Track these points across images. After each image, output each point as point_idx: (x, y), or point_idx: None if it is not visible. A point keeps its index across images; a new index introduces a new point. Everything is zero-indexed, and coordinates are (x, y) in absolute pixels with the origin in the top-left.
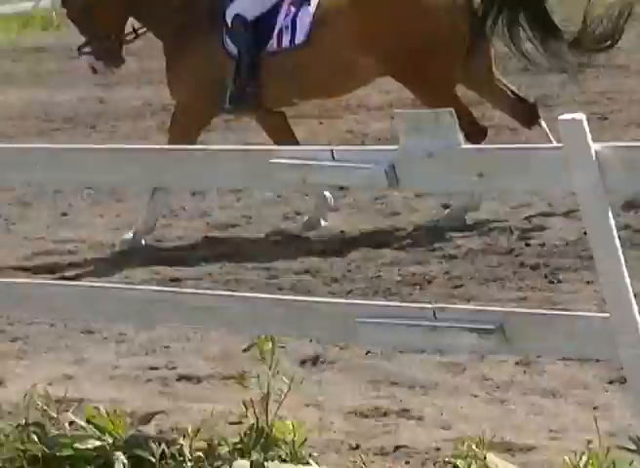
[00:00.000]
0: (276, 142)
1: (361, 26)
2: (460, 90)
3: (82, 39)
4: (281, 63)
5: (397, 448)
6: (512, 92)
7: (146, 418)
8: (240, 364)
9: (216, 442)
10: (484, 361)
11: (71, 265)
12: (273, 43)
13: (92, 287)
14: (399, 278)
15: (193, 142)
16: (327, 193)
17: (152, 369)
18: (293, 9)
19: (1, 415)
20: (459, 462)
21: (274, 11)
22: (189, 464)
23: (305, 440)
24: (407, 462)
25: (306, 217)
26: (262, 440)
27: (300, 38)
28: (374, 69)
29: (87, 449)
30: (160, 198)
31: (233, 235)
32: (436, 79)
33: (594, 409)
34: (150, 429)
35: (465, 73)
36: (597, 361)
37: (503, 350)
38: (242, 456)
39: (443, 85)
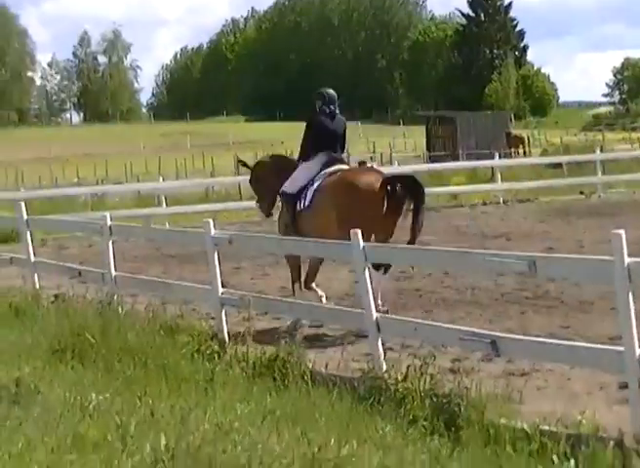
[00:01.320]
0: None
1: (332, 204)
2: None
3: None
4: (303, 217)
5: None
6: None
7: None
8: None
9: None
10: None
11: None
12: (299, 206)
13: None
14: None
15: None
16: None
17: None
18: (309, 188)
19: None
20: None
21: (303, 189)
22: None
23: None
24: None
25: None
26: None
27: (306, 204)
28: (335, 223)
29: None
30: None
31: None
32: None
33: None
34: None
35: (384, 225)
36: None
37: None
38: None
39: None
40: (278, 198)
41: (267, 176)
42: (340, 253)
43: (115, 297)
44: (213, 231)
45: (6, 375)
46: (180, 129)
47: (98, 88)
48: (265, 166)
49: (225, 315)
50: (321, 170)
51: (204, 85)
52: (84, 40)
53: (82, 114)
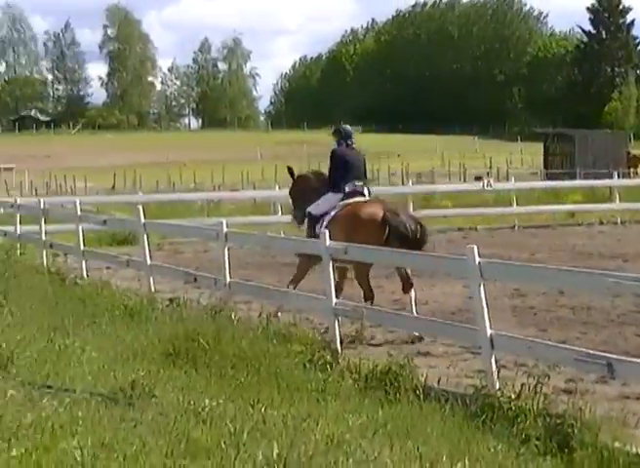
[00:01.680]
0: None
1: (340, 230)
2: None
3: None
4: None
5: None
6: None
7: None
8: None
9: None
10: None
11: None
12: (317, 229)
13: None
14: None
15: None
16: None
17: None
18: (329, 213)
19: None
20: None
21: (324, 214)
22: None
23: None
24: None
25: None
26: None
27: (322, 228)
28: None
29: None
30: None
31: None
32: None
33: None
34: None
35: None
36: None
37: None
38: None
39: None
40: None
41: (306, 191)
42: (455, 267)
43: (229, 304)
44: (328, 241)
45: (122, 377)
46: (297, 137)
47: (216, 94)
48: (306, 180)
49: (339, 325)
50: (342, 199)
51: (322, 94)
52: (204, 46)
53: (200, 120)
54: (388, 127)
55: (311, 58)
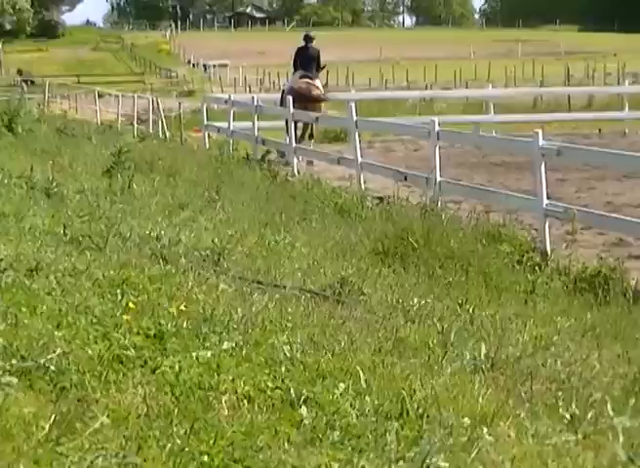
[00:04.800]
0: None
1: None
2: None
3: None
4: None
5: None
6: None
7: None
8: None
9: None
10: None
11: None
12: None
13: None
14: None
15: None
16: None
17: None
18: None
19: None
20: None
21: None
22: None
23: None
24: None
25: None
26: None
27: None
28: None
29: None
30: None
31: None
32: None
33: None
34: None
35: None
36: None
37: None
38: None
39: None
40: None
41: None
42: None
43: (439, 203)
44: (541, 141)
45: (331, 274)
46: (512, 36)
47: None
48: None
49: (549, 227)
50: (299, 78)
51: None
52: None
53: (414, 18)
54: (605, 25)
55: None
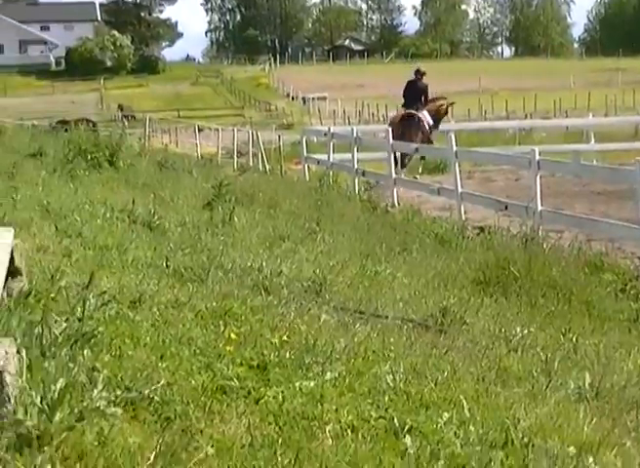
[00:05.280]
0: None
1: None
2: None
3: None
4: None
5: None
6: None
7: None
8: None
9: None
10: None
11: None
12: None
13: None
14: None
15: None
16: None
17: None
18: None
19: None
20: None
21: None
22: None
23: None
24: None
25: None
26: None
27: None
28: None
29: None
30: None
31: None
32: None
33: None
34: None
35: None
36: None
37: None
38: None
39: None
40: None
41: None
42: None
43: (540, 232)
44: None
45: (432, 304)
46: (612, 65)
47: (530, 22)
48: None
49: None
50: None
51: (638, 21)
52: None
53: (513, 48)
54: None
55: None
